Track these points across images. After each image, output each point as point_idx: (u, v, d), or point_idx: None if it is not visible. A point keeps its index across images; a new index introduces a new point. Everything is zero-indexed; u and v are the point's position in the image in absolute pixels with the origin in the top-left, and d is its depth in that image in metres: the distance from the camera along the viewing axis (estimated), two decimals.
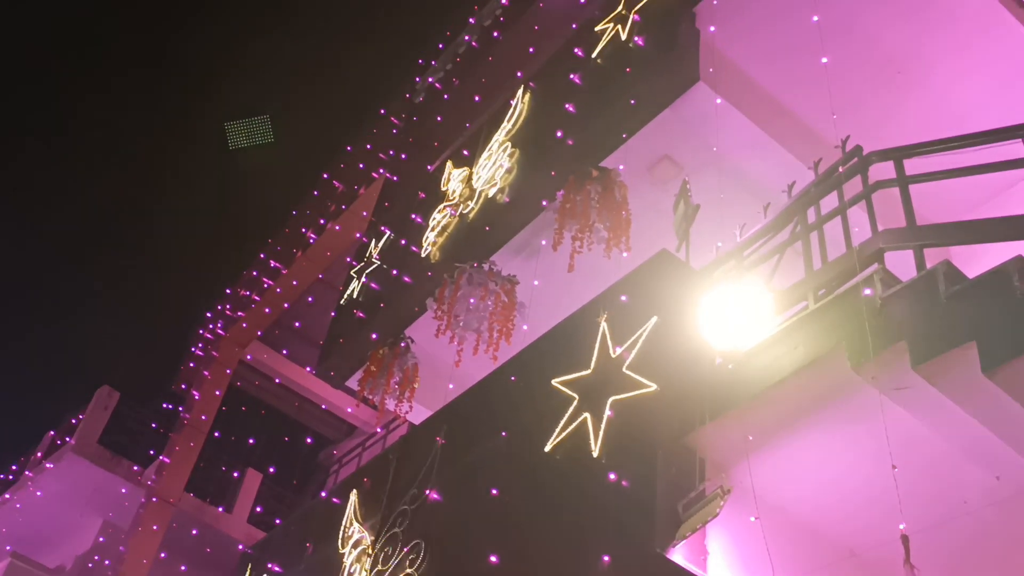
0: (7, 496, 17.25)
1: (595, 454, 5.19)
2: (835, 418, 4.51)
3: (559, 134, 7.82)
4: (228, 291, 16.78)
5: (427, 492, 6.54)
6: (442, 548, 6.16)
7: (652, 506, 4.68)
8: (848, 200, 4.94)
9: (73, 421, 16.64)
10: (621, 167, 7.02)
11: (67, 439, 16.12)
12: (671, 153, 7.29)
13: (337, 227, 14.02)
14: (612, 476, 4.98)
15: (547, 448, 5.55)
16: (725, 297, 4.93)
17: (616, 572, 4.71)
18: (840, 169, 5.09)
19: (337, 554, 7.23)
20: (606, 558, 4.75)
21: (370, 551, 6.82)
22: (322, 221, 14.61)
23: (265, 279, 15.54)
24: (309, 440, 16.97)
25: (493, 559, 5.49)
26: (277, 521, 12.33)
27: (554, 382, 5.77)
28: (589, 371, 5.62)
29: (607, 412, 5.25)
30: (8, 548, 15.24)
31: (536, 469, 5.66)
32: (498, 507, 5.82)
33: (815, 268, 4.88)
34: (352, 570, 6.92)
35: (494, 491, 5.88)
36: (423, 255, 9.16)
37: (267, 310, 15.14)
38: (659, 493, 4.71)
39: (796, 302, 4.87)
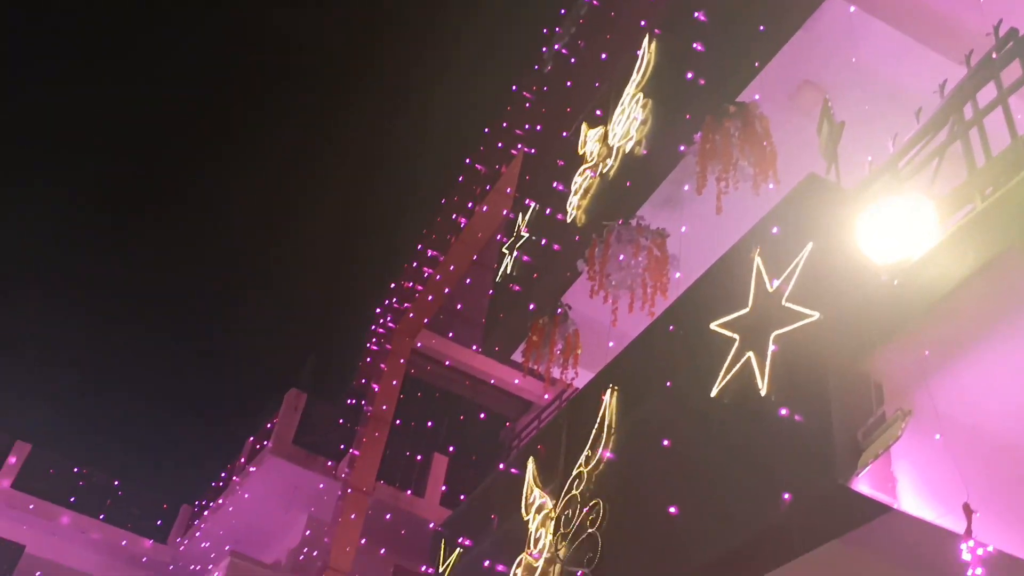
0: (220, 501, 18.56)
1: (763, 392, 5.03)
2: (1018, 323, 4.18)
3: (690, 76, 7.60)
4: (392, 285, 17.37)
5: (600, 452, 6.55)
6: (620, 504, 6.15)
7: (830, 437, 4.49)
8: (1007, 88, 4.55)
9: (268, 426, 17.69)
10: (758, 97, 6.75)
11: (265, 443, 17.16)
12: (810, 76, 6.94)
13: (485, 208, 14.22)
14: (783, 412, 4.81)
15: (713, 393, 5.43)
16: (883, 212, 4.66)
17: (799, 509, 4.56)
18: (994, 56, 4.69)
19: (522, 522, 7.35)
20: (787, 496, 4.60)
21: (552, 514, 6.90)
22: (470, 205, 14.87)
23: (425, 268, 15.98)
24: (482, 415, 17.37)
25: (672, 510, 5.44)
26: (462, 498, 12.69)
27: (713, 325, 5.63)
28: (747, 309, 5.45)
29: (771, 348, 5.07)
30: (227, 548, 16.39)
31: (705, 415, 5.55)
32: (671, 458, 5.76)
33: (978, 166, 4.52)
34: (538, 535, 7.02)
35: (665, 442, 5.81)
36: (569, 220, 9.14)
37: (430, 298, 15.57)
38: (835, 423, 4.52)
39: (961, 206, 4.53)
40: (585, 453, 6.77)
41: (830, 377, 4.68)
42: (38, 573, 20.05)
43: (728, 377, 5.36)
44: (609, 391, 6.79)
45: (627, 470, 6.31)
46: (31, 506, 20.03)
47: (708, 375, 5.52)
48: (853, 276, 4.82)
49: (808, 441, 4.64)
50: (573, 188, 9.28)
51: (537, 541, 7.00)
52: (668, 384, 6.08)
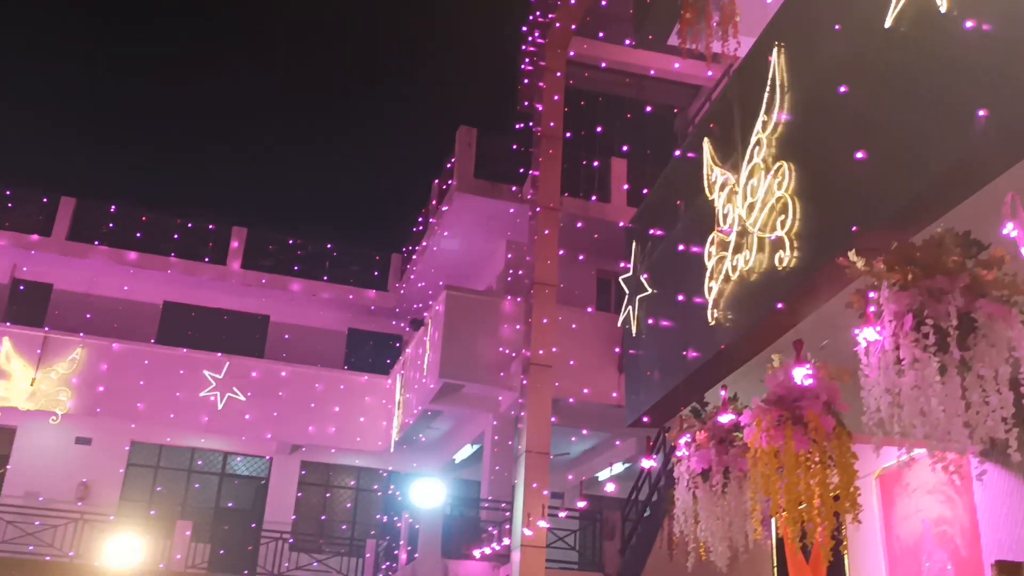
0: (424, 244, 19.75)
1: (943, 9, 4.60)
2: None
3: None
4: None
5: (776, 115, 6.34)
6: (805, 163, 6.01)
7: None
8: None
9: (448, 166, 18.26)
10: None
11: (449, 182, 17.81)
12: None
13: None
14: (969, 24, 4.41)
15: (888, 23, 5.03)
16: None
17: (996, 127, 4.28)
18: None
19: (707, 202, 7.38)
20: (982, 112, 4.32)
21: (736, 188, 6.87)
22: None
23: None
24: (648, 110, 17.07)
25: (859, 155, 5.26)
26: (645, 192, 12.81)
27: None
28: None
29: None
30: (441, 284, 17.61)
31: (882, 49, 5.18)
32: (851, 105, 5.49)
33: None
34: (725, 211, 7.05)
35: (843, 89, 5.52)
36: None
37: (572, 1, 14.93)
38: None
39: None
40: (760, 120, 6.57)
41: None
42: (286, 336, 22.54)
43: (902, 3, 4.92)
44: (776, 50, 6.44)
45: (806, 127, 6.09)
46: (263, 280, 22.16)
47: (880, 7, 5.09)
48: None
49: (1000, 52, 4.27)
50: None
51: (726, 217, 7.04)
52: (837, 28, 5.68)
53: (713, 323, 7.08)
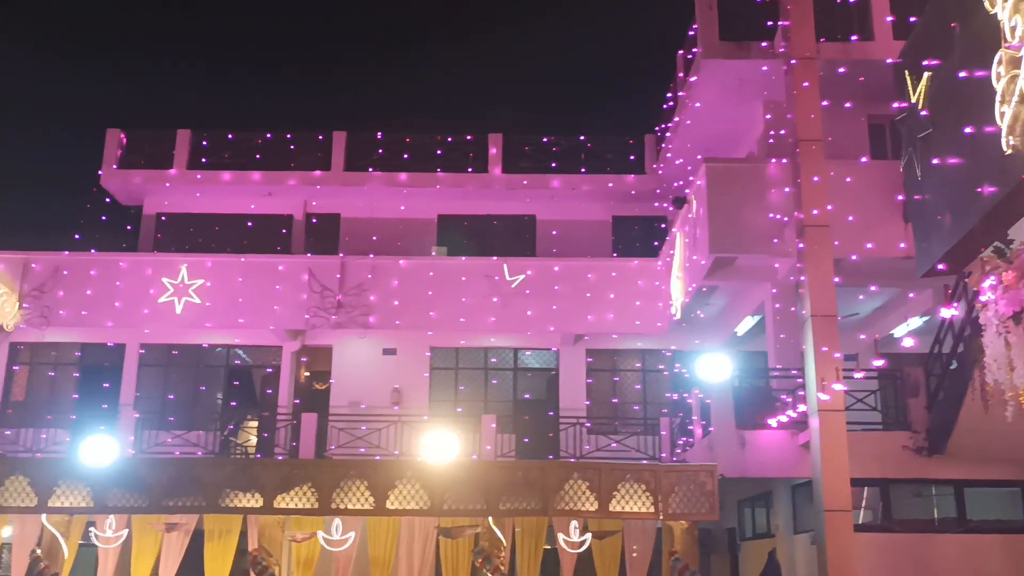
0: (676, 120, 19.28)
1: None
2: None
3: None
4: None
5: None
6: None
7: None
8: None
9: (691, 33, 17.56)
10: None
11: (694, 50, 17.14)
12: None
13: None
14: None
15: None
16: None
17: None
18: None
19: (988, 17, 6.56)
20: None
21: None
22: None
23: None
24: None
25: None
26: (912, 20, 11.57)
27: None
28: None
29: None
30: (699, 158, 17.17)
31: None
32: None
33: None
34: (1012, 23, 6.24)
35: None
36: None
37: None
38: None
39: None
40: None
41: None
42: (553, 232, 23.13)
43: None
44: None
45: None
46: (524, 182, 22.79)
47: None
48: None
49: None
50: None
51: (1013, 30, 6.24)
52: None
53: (1010, 152, 6.38)
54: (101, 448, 14.67)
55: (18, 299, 20.10)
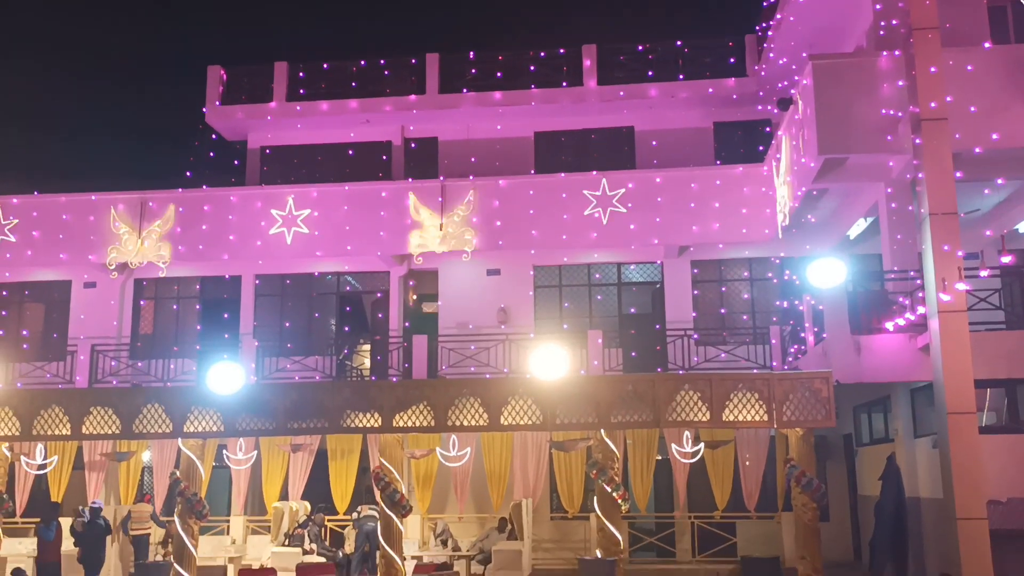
0: (778, 16, 18.45)
1: None
2: None
3: None
4: None
5: None
6: None
7: None
8: None
9: None
10: None
11: None
12: None
13: None
14: None
15: None
16: None
17: None
18: None
19: None
20: None
21: None
22: None
23: None
24: None
25: None
26: None
27: None
28: None
29: None
30: (804, 55, 16.42)
31: None
32: None
33: None
34: None
35: None
36: None
37: None
38: None
39: None
40: None
41: None
42: (653, 143, 22.66)
43: None
44: None
45: None
46: (621, 93, 22.32)
47: None
48: None
49: None
50: None
51: None
52: None
53: None
54: (227, 376, 15.35)
55: (139, 237, 20.99)
